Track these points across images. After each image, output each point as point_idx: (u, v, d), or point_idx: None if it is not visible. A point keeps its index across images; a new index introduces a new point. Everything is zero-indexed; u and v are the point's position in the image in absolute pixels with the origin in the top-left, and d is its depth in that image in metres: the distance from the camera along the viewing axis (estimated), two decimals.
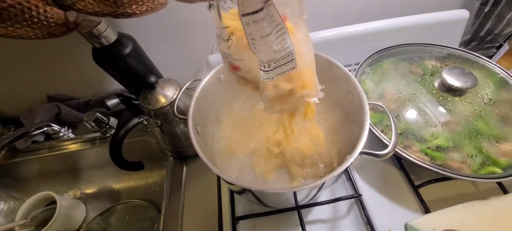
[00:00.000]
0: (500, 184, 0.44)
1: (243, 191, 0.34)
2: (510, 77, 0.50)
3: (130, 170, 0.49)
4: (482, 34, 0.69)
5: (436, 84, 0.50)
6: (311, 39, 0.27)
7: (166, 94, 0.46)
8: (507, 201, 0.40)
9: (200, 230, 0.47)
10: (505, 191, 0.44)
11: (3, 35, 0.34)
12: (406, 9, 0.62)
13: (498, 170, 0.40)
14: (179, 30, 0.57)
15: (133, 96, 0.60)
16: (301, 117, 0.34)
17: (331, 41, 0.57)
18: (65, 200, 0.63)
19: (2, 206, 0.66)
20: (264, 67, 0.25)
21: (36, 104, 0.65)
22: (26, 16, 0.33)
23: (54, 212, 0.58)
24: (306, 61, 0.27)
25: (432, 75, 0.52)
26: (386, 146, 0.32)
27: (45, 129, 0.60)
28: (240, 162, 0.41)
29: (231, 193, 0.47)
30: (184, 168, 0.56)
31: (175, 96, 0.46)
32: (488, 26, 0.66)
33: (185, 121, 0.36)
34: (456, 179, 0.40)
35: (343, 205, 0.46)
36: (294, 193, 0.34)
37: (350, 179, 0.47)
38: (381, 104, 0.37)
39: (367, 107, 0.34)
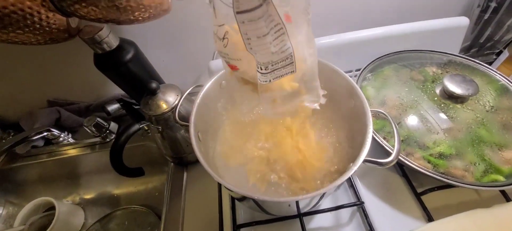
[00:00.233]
0: (503, 191, 0.44)
1: (244, 198, 0.34)
2: (511, 84, 0.51)
3: (131, 176, 0.48)
4: (482, 40, 0.69)
5: (437, 91, 0.50)
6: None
7: (168, 100, 0.46)
8: (510, 210, 0.40)
9: None
10: (508, 199, 0.43)
11: (4, 41, 0.34)
12: (407, 16, 0.62)
13: (501, 178, 0.40)
14: (180, 35, 0.57)
15: (133, 101, 0.59)
16: (301, 124, 0.33)
17: (332, 48, 0.57)
18: (64, 206, 0.63)
19: (0, 212, 0.66)
20: (261, 69, 0.24)
21: (36, 109, 0.64)
22: (28, 22, 0.33)
23: (53, 218, 0.58)
24: (307, 65, 0.26)
25: (433, 82, 0.52)
26: (388, 153, 0.32)
27: (45, 133, 0.60)
28: (241, 169, 0.41)
29: (232, 200, 0.47)
30: (185, 174, 0.56)
31: (176, 102, 0.46)
32: (488, 33, 0.66)
33: (186, 127, 0.36)
34: (459, 187, 0.40)
35: (346, 213, 0.45)
36: (296, 201, 0.34)
37: (352, 186, 0.47)
38: (384, 112, 0.37)
39: (370, 115, 0.34)
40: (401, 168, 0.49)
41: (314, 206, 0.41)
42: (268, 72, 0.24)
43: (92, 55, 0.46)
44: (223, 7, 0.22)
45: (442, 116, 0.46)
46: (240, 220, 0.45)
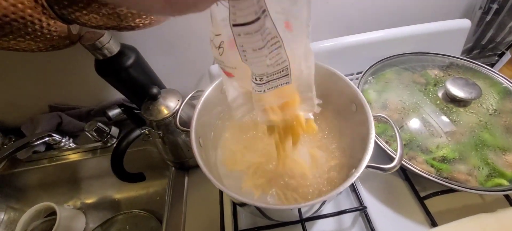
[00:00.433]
0: (507, 196, 0.43)
1: (245, 203, 0.34)
2: None
3: (132, 181, 0.48)
4: (483, 42, 0.68)
5: (440, 94, 0.49)
6: (313, 50, 0.25)
7: (168, 105, 0.46)
8: None
9: None
10: (511, 203, 0.43)
11: (5, 48, 0.34)
12: (408, 18, 0.62)
13: (505, 182, 0.40)
14: (181, 40, 0.57)
15: (134, 106, 0.59)
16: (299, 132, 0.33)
17: (333, 51, 0.57)
18: (65, 211, 0.63)
19: (2, 217, 0.66)
20: (256, 80, 0.24)
21: (38, 114, 0.64)
22: (29, 30, 0.33)
23: (54, 223, 0.58)
24: (303, 76, 0.26)
25: (435, 85, 0.52)
26: (391, 158, 0.32)
27: (46, 139, 0.60)
28: (242, 175, 0.41)
29: (234, 205, 0.46)
30: (186, 178, 0.55)
31: (177, 107, 0.46)
32: (489, 34, 0.66)
33: (187, 133, 0.36)
34: (463, 191, 0.39)
35: (348, 217, 0.45)
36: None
37: (354, 191, 0.47)
38: (386, 116, 0.37)
39: (372, 120, 0.34)
40: (404, 172, 0.49)
41: (316, 211, 0.41)
42: (263, 83, 0.24)
43: (93, 60, 0.46)
44: (220, 15, 0.22)
45: (445, 119, 0.46)
46: (242, 225, 0.45)
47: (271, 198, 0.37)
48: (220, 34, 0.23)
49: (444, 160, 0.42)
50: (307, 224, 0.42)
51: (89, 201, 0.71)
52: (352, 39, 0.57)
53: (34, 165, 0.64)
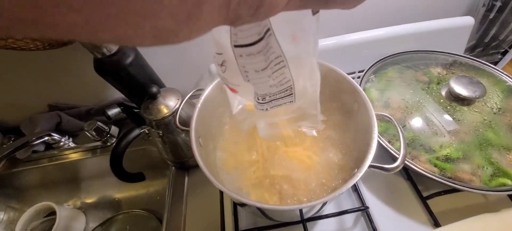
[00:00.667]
0: (511, 196, 0.43)
1: (246, 204, 0.33)
2: None
3: (131, 181, 0.48)
4: (487, 40, 0.68)
5: (443, 93, 0.49)
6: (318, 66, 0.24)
7: (168, 105, 0.46)
8: None
9: None
10: None
11: (2, 47, 0.34)
12: (411, 16, 0.61)
13: (509, 182, 0.39)
14: None
15: (134, 105, 0.59)
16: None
17: (334, 49, 0.57)
18: (64, 211, 0.62)
19: (1, 217, 0.65)
20: (258, 99, 0.23)
21: (37, 113, 0.64)
22: None
23: (54, 223, 0.57)
24: (308, 94, 0.25)
25: (438, 83, 0.51)
26: (393, 157, 0.31)
27: (46, 138, 0.60)
28: (243, 175, 0.40)
29: (234, 204, 0.46)
30: (186, 178, 0.55)
31: (177, 106, 0.46)
32: (493, 32, 0.65)
33: (187, 132, 0.36)
34: (466, 191, 0.39)
35: (350, 218, 0.44)
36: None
37: (356, 190, 0.46)
38: (389, 115, 0.36)
39: (374, 119, 0.33)
40: (406, 171, 0.48)
41: (318, 211, 0.40)
42: (266, 102, 0.23)
43: (92, 59, 0.45)
44: (220, 35, 0.20)
45: (448, 118, 0.45)
46: (242, 225, 0.44)
47: (271, 198, 0.37)
48: (221, 53, 0.22)
49: (447, 159, 0.41)
50: (308, 224, 0.42)
51: (89, 200, 0.71)
52: (354, 37, 0.57)
53: (34, 164, 0.64)
